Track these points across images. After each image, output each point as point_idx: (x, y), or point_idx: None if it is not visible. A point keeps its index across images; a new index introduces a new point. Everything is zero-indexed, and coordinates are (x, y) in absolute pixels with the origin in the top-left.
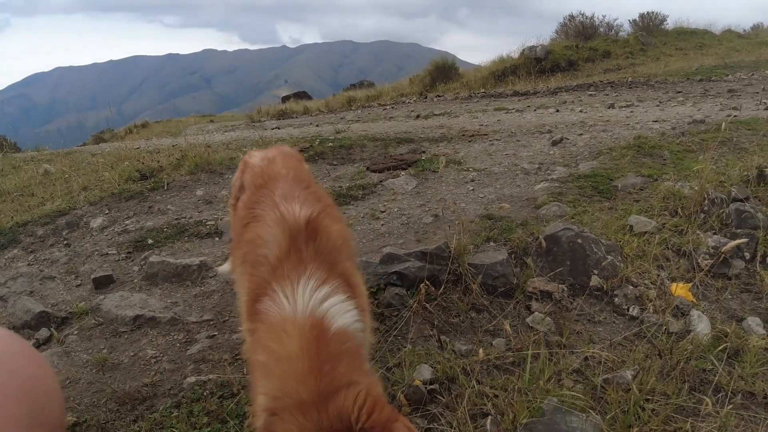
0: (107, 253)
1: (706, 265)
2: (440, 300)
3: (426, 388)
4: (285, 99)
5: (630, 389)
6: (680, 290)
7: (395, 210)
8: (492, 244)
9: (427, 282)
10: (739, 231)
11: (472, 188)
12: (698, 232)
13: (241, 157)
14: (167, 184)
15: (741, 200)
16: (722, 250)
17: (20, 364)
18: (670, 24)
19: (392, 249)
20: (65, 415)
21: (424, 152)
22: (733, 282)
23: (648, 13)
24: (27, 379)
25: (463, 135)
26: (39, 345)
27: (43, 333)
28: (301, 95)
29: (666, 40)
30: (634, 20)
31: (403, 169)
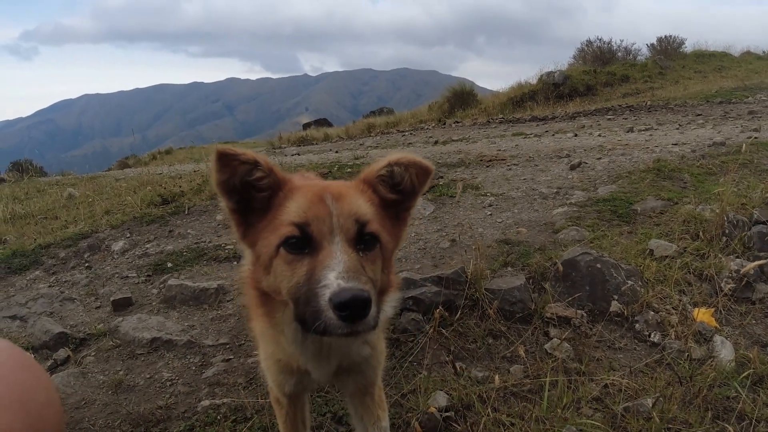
0: (127, 276)
1: (729, 290)
2: (457, 325)
3: (441, 415)
4: (306, 126)
5: (651, 418)
6: (703, 315)
7: (412, 235)
8: (509, 269)
9: (443, 307)
10: (762, 254)
11: (489, 213)
12: (720, 255)
13: None
14: (188, 208)
15: (763, 222)
16: (743, 272)
17: (17, 374)
18: (688, 47)
19: (408, 274)
20: (63, 426)
21: (441, 177)
22: (757, 306)
23: (666, 36)
24: (24, 389)
25: (481, 160)
26: (57, 365)
27: (61, 354)
28: (322, 122)
29: (685, 63)
30: (652, 44)
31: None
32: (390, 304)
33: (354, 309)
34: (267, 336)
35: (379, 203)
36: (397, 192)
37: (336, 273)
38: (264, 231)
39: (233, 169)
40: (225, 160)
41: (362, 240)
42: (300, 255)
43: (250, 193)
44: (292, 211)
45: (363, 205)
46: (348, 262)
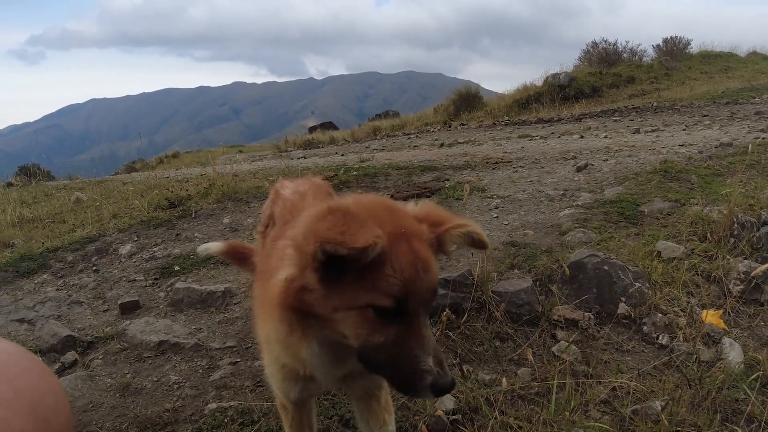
0: (134, 279)
1: (738, 291)
2: (463, 328)
3: (448, 418)
4: (312, 129)
5: (660, 420)
6: (711, 317)
7: None
8: (516, 271)
9: (450, 310)
10: None
11: (495, 215)
12: (728, 257)
13: (267, 186)
14: (195, 212)
15: None
16: (753, 275)
17: (27, 378)
18: (694, 48)
19: None
20: (73, 430)
21: (447, 180)
22: (766, 308)
23: (672, 37)
24: (34, 393)
25: (487, 162)
26: (64, 368)
27: (69, 357)
28: (328, 125)
29: (691, 64)
30: (658, 45)
31: (427, 196)
32: None
33: (443, 393)
34: (274, 340)
35: None
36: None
37: (432, 359)
38: (350, 282)
39: (341, 258)
40: (361, 253)
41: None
42: (387, 321)
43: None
44: (390, 280)
45: (437, 273)
46: (432, 341)
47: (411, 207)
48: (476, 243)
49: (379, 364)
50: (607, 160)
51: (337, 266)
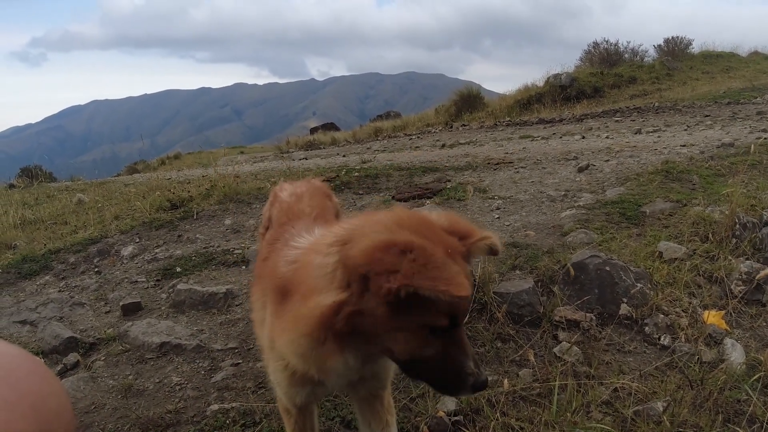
0: (136, 281)
1: (739, 292)
2: (465, 329)
3: (450, 419)
4: (313, 130)
5: (661, 421)
6: (713, 318)
7: None
8: (518, 272)
9: None
10: None
11: (497, 216)
12: (730, 257)
13: (269, 187)
14: (196, 213)
15: None
16: (756, 277)
17: (30, 381)
18: (695, 48)
19: None
20: None
21: (449, 181)
22: None
23: (673, 37)
24: (37, 396)
25: (489, 163)
26: (66, 370)
27: (71, 358)
28: (329, 126)
29: (692, 64)
30: (659, 45)
31: (429, 197)
32: None
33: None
34: (291, 352)
35: None
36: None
37: (473, 362)
38: (410, 306)
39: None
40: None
41: None
42: (437, 335)
43: None
44: (447, 301)
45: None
46: (470, 345)
47: (436, 218)
48: (493, 252)
49: (423, 372)
50: (608, 160)
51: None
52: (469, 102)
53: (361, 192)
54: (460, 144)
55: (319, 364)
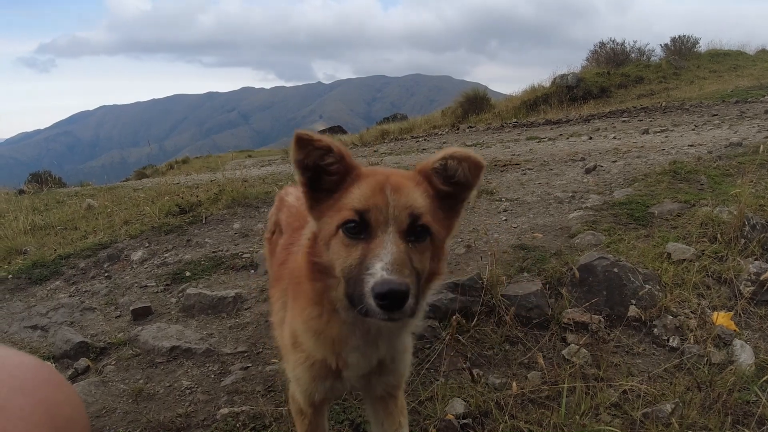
0: (146, 285)
1: (748, 293)
2: (473, 332)
3: (459, 422)
4: (320, 133)
5: (670, 423)
6: (722, 319)
7: None
8: (525, 274)
9: (459, 314)
10: None
11: (504, 218)
12: (739, 258)
13: (276, 191)
14: (205, 218)
15: None
16: (764, 278)
17: (44, 390)
18: (702, 46)
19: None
20: None
21: None
22: None
23: (680, 36)
24: (51, 404)
25: (496, 165)
26: (77, 374)
27: (82, 363)
28: (336, 129)
29: (699, 63)
30: (666, 44)
31: None
32: (432, 291)
33: (391, 300)
34: (305, 331)
35: (434, 194)
36: (452, 184)
37: (382, 264)
38: (329, 210)
39: (308, 152)
40: (302, 143)
41: (414, 231)
42: (356, 240)
43: (321, 174)
44: (355, 197)
45: (418, 198)
46: (395, 254)
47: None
48: (465, 164)
49: (350, 288)
50: (615, 161)
51: (318, 186)
52: (476, 103)
53: None
54: (467, 146)
55: (328, 335)
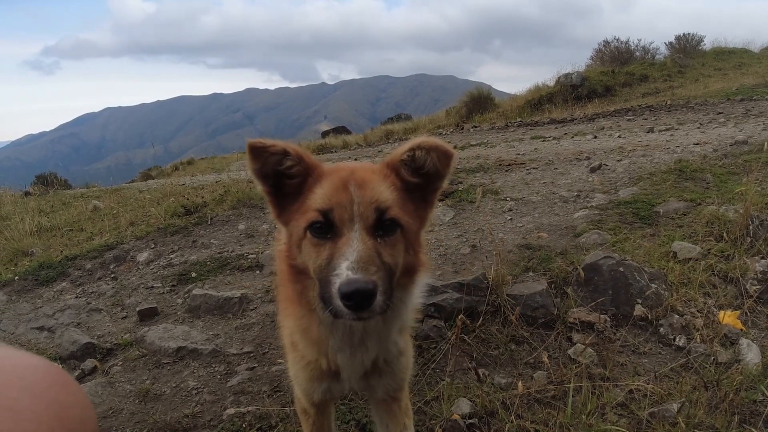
0: (152, 286)
1: (755, 291)
2: (479, 332)
3: (465, 422)
4: (325, 134)
5: (677, 423)
6: (728, 318)
7: (432, 241)
8: (531, 274)
9: (465, 314)
10: None
11: (509, 218)
12: (745, 257)
13: None
14: (211, 218)
15: None
16: None
17: (54, 391)
18: (707, 44)
19: (429, 280)
20: None
21: (461, 183)
22: None
23: (684, 34)
24: (61, 406)
25: (500, 164)
26: (84, 375)
27: (89, 364)
28: (341, 130)
29: (704, 61)
30: (671, 42)
31: (440, 200)
32: (419, 290)
33: (357, 300)
34: (296, 329)
35: (403, 186)
36: (421, 175)
37: (348, 263)
38: (295, 213)
39: (264, 159)
40: (256, 151)
41: (382, 226)
42: (323, 240)
43: (283, 179)
44: (318, 197)
45: (384, 192)
46: (362, 252)
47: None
48: (434, 153)
49: (321, 289)
50: (621, 160)
51: (282, 192)
52: (480, 103)
53: None
54: (471, 145)
55: (311, 335)
